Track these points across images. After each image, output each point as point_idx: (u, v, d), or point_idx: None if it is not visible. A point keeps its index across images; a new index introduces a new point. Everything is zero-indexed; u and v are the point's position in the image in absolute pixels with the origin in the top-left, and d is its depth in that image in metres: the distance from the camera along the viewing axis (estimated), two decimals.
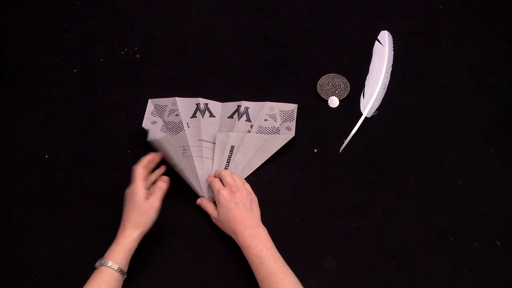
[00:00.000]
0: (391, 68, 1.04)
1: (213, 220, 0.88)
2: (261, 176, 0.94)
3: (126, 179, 0.94)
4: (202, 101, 1.02)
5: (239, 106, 1.01)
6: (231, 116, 1.01)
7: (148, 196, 0.83)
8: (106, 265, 0.77)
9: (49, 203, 0.92)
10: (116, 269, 0.77)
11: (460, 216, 0.89)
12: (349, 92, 1.03)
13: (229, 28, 1.14)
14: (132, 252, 0.80)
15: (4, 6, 1.20)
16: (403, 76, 1.05)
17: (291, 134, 0.97)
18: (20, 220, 0.91)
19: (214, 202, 0.89)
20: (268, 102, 1.01)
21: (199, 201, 0.90)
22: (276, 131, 0.98)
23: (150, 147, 0.97)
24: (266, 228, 0.84)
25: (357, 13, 1.15)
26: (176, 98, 1.03)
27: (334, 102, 1.02)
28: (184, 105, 1.02)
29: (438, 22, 1.12)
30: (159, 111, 1.02)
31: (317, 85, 1.04)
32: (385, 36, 1.07)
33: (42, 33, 1.15)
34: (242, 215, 0.82)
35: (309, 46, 1.10)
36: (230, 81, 1.07)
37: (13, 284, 0.85)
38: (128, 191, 0.84)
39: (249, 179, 0.93)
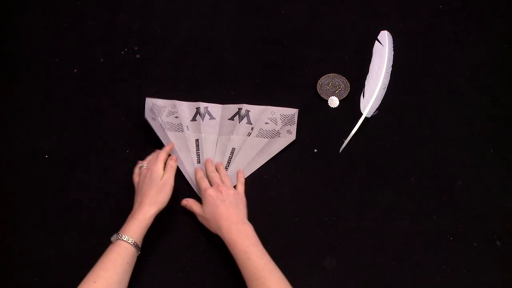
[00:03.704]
0: (391, 68, 1.04)
1: (199, 218, 0.87)
2: (261, 176, 0.94)
3: (126, 179, 0.94)
4: (202, 105, 1.02)
5: (240, 109, 1.01)
6: (231, 118, 1.01)
7: (163, 175, 0.87)
8: (122, 239, 0.77)
9: (49, 203, 0.92)
10: (132, 243, 0.78)
11: (460, 216, 0.89)
12: (349, 92, 1.03)
13: (229, 28, 1.14)
14: (147, 228, 0.81)
15: (4, 6, 1.20)
16: (403, 76, 1.05)
17: (291, 137, 0.97)
18: (20, 220, 0.91)
19: (201, 202, 0.88)
20: (269, 106, 1.01)
21: (184, 202, 0.90)
22: (277, 134, 0.98)
23: (150, 147, 0.97)
24: (267, 228, 0.84)
25: (357, 13, 1.15)
26: (176, 101, 1.03)
27: (334, 102, 1.02)
28: (184, 108, 1.02)
29: (438, 22, 1.12)
30: (158, 111, 1.01)
31: (317, 85, 1.04)
32: (385, 36, 1.07)
33: (42, 33, 1.15)
34: (228, 212, 0.83)
35: (309, 46, 1.10)
36: (230, 81, 1.07)
37: (13, 284, 0.85)
38: (147, 172, 0.87)
39: (249, 179, 0.94)
